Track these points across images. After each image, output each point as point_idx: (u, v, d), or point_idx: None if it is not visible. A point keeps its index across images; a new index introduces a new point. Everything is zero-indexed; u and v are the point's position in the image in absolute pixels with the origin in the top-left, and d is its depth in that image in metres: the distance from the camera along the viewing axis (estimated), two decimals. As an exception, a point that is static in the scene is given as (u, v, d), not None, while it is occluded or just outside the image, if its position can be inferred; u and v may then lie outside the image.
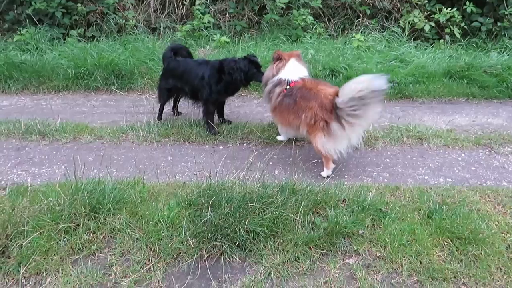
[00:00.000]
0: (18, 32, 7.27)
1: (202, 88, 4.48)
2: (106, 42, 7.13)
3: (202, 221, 2.89)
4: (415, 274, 2.75)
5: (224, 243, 2.83)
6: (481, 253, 2.89)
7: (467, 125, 5.05)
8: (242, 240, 2.84)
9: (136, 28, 7.68)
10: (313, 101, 3.67)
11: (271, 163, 4.03)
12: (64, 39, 7.45)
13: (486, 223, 3.18)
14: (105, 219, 3.02)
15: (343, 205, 3.28)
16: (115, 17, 7.73)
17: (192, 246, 2.81)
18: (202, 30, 7.57)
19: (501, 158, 4.27)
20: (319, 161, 4.02)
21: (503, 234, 3.10)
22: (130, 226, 2.99)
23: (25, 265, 2.68)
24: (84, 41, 7.22)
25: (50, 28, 7.58)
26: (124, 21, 7.64)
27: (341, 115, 3.50)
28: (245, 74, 4.38)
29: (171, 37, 7.58)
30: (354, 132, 3.61)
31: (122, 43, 7.08)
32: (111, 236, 2.98)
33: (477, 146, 4.50)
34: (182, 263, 2.78)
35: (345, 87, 3.48)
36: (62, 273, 2.68)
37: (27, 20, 7.44)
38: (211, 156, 4.20)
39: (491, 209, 3.39)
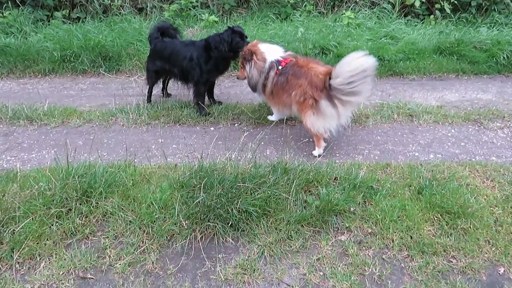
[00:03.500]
0: (0, 14, 7.06)
1: (192, 69, 4.42)
2: (92, 23, 6.95)
3: (195, 202, 2.89)
4: (406, 249, 2.80)
5: (217, 224, 2.84)
6: (470, 227, 2.95)
7: (457, 101, 5.07)
8: (235, 220, 2.86)
9: (122, 8, 7.50)
10: (303, 78, 3.64)
11: (262, 143, 4.02)
12: (49, 21, 7.25)
13: (475, 198, 3.23)
14: (97, 203, 3.01)
15: (334, 183, 3.30)
16: (100, -3, 7.54)
17: (185, 227, 2.83)
18: (190, 9, 7.42)
19: (490, 133, 4.31)
20: (311, 140, 4.02)
21: (491, 208, 3.16)
22: (122, 209, 2.99)
23: (18, 251, 2.68)
24: (69, 23, 7.04)
25: (34, 9, 7.37)
26: (109, 1, 7.45)
27: (335, 95, 3.49)
28: (229, 44, 4.30)
29: (158, 17, 7.41)
30: (346, 111, 3.61)
31: (108, 24, 6.92)
32: (103, 220, 2.97)
33: (466, 121, 4.53)
34: (176, 244, 2.79)
35: (340, 68, 3.41)
36: (55, 257, 2.68)
37: (9, 2, 7.22)
38: (202, 137, 4.18)
39: (480, 183, 3.44)
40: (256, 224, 2.92)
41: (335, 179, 3.34)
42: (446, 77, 5.88)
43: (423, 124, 4.46)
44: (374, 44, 6.25)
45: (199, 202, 2.89)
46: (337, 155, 3.90)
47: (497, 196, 3.28)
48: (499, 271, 2.69)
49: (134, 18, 7.20)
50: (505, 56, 5.95)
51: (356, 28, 6.85)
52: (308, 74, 3.64)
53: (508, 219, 3.06)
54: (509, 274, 2.67)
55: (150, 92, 4.89)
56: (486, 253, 2.80)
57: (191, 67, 4.41)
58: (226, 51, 4.32)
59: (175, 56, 4.50)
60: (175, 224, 2.87)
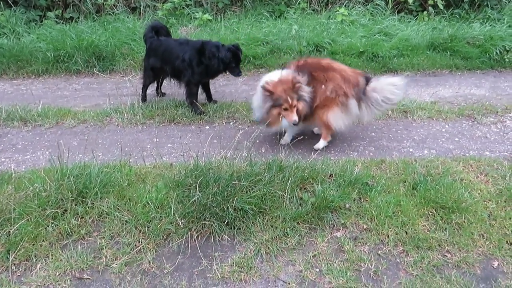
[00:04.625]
0: (-7, 15, 7.02)
1: (184, 69, 4.42)
2: (85, 23, 6.93)
3: (191, 201, 2.90)
4: (401, 244, 2.82)
5: (213, 222, 2.85)
6: (464, 221, 2.97)
7: (451, 97, 5.10)
8: (231, 218, 2.87)
9: (116, 7, 7.47)
10: (334, 72, 3.65)
11: (257, 141, 4.03)
12: (41, 22, 7.21)
13: (469, 192, 3.26)
14: (93, 203, 3.01)
15: (330, 180, 3.31)
16: (93, -3, 7.50)
17: (182, 226, 2.83)
18: (183, 8, 7.41)
19: (484, 128, 4.34)
20: (305, 137, 4.04)
21: (485, 202, 3.18)
22: (118, 209, 2.99)
23: (14, 252, 2.67)
24: (62, 23, 7.00)
25: (26, 10, 7.33)
26: (102, 1, 7.42)
27: (365, 100, 3.64)
28: (224, 65, 4.34)
29: (152, 16, 7.40)
30: (369, 115, 3.79)
31: (101, 24, 6.89)
32: (99, 220, 2.97)
33: (460, 117, 4.56)
34: (172, 243, 2.80)
35: (381, 86, 3.66)
36: (52, 258, 2.68)
37: (1, 3, 7.17)
38: (197, 136, 4.18)
39: (474, 178, 3.47)
40: (252, 222, 2.93)
41: (330, 176, 3.36)
42: (439, 73, 5.91)
43: (417, 120, 4.49)
44: (368, 40, 6.27)
45: (195, 201, 2.89)
46: (332, 152, 3.92)
47: (490, 191, 3.31)
48: (493, 264, 2.72)
49: (127, 17, 7.18)
50: (497, 51, 5.99)
51: (349, 25, 6.87)
52: (341, 70, 3.69)
53: (502, 213, 3.08)
54: (503, 267, 2.70)
55: (144, 91, 4.88)
56: (481, 247, 2.83)
57: (183, 67, 4.41)
58: (218, 67, 4.35)
59: (168, 54, 4.50)
60: (171, 223, 2.87)
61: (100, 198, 3.07)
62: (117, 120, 4.48)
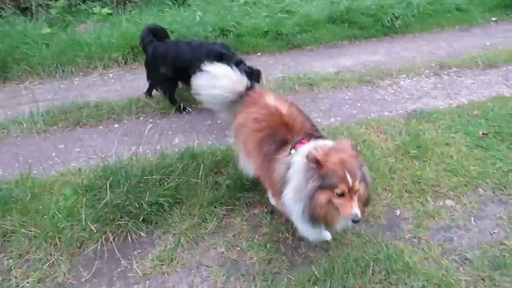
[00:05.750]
0: None
1: None
2: (-33, 30, 6.24)
3: (102, 204, 2.80)
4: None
5: (128, 221, 2.78)
6: (368, 179, 3.20)
7: (352, 66, 5.41)
8: (146, 214, 2.83)
9: (3, 10, 6.81)
10: None
11: (170, 132, 3.98)
12: None
13: (371, 151, 3.52)
14: (-6, 224, 2.79)
15: (243, 160, 3.37)
16: (-28, 0, 6.78)
17: (95, 231, 2.73)
18: (79, 4, 6.96)
19: (382, 91, 4.68)
20: (218, 122, 4.06)
21: (385, 159, 3.46)
22: (23, 225, 2.79)
23: None
24: None
25: None
26: (-16, 4, 6.73)
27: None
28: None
29: (45, 15, 6.86)
30: None
31: (-14, 29, 6.25)
32: (4, 240, 2.76)
33: (361, 83, 4.86)
34: (87, 250, 2.69)
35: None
36: (-49, 291, 2.45)
37: None
38: (106, 136, 4.01)
39: (375, 138, 3.75)
40: (170, 214, 2.91)
41: (243, 156, 3.42)
42: (340, 44, 6.22)
43: (322, 91, 4.71)
44: (272, 20, 6.38)
45: (106, 203, 2.79)
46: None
47: (390, 147, 3.60)
48: (396, 213, 2.98)
49: (17, 19, 6.58)
50: (388, 19, 6.43)
51: (252, 6, 6.93)
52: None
53: (400, 165, 3.38)
54: (404, 214, 2.97)
55: (173, 99, 4.36)
56: (385, 199, 3.09)
57: None
58: None
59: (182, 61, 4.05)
60: (84, 229, 2.75)
61: (2, 216, 2.85)
62: (15, 131, 4.14)
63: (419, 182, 3.23)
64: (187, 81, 3.89)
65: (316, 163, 2.07)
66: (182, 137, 3.95)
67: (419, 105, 4.37)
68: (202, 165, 3.13)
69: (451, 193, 3.16)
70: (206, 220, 2.89)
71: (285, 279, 2.47)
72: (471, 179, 3.27)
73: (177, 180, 3.03)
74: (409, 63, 5.35)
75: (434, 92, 4.66)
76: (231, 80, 2.82)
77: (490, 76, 5.03)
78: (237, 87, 2.81)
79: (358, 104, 4.43)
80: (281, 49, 5.88)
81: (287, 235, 2.80)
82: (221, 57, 3.80)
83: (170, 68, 4.10)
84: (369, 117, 4.16)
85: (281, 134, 2.47)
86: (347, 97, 4.57)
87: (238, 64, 3.64)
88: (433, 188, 3.19)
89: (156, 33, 4.29)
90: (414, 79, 4.97)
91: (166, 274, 2.56)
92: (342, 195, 2.07)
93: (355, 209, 2.06)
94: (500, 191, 3.17)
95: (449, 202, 3.09)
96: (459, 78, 4.98)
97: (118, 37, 5.74)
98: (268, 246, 2.71)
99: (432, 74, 5.08)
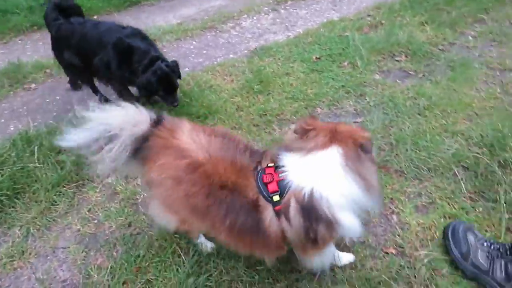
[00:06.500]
0: None
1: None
2: None
3: None
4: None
5: (-40, 227, 2.50)
6: (217, 122, 3.30)
7: (195, 14, 5.34)
8: (-18, 213, 2.56)
9: None
10: None
11: (2, 120, 3.56)
12: None
13: (218, 95, 3.60)
14: None
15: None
16: None
17: None
18: None
19: (225, 35, 4.74)
20: (57, 97, 3.75)
21: (232, 99, 3.58)
22: None
23: None
24: None
25: None
26: None
27: None
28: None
29: None
30: None
31: None
32: None
33: (204, 30, 4.85)
34: None
35: None
36: None
37: None
38: None
39: (221, 82, 3.83)
40: (12, 207, 2.67)
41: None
42: (180, -6, 6.07)
43: (167, 45, 4.60)
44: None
45: None
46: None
47: (235, 88, 3.72)
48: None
49: None
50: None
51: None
52: None
53: (246, 103, 3.53)
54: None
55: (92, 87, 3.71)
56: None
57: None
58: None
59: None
60: None
61: None
62: None
63: (265, 114, 3.43)
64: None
65: None
66: (17, 122, 3.56)
67: (261, 42, 4.55)
68: (36, 148, 2.88)
69: (294, 117, 3.42)
70: (56, 202, 2.72)
71: (146, 236, 2.49)
72: (309, 101, 3.57)
73: (12, 169, 2.76)
74: (249, 3, 5.47)
75: (273, 28, 4.87)
76: (119, 127, 1.83)
77: (321, 4, 5.41)
78: (133, 131, 1.86)
79: (204, 51, 4.44)
80: (118, 8, 5.52)
81: (144, 195, 2.78)
82: (131, 52, 3.09)
83: (74, 54, 3.36)
84: (215, 62, 4.21)
85: (229, 185, 1.73)
86: (192, 47, 4.54)
87: (154, 62, 3.07)
88: (278, 117, 3.41)
89: (65, 10, 3.44)
90: (254, 17, 5.11)
91: (19, 269, 2.38)
92: None
93: None
94: (334, 107, 3.53)
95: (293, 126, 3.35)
96: (294, 11, 5.27)
97: None
98: (126, 211, 2.67)
99: (270, 10, 5.28)
